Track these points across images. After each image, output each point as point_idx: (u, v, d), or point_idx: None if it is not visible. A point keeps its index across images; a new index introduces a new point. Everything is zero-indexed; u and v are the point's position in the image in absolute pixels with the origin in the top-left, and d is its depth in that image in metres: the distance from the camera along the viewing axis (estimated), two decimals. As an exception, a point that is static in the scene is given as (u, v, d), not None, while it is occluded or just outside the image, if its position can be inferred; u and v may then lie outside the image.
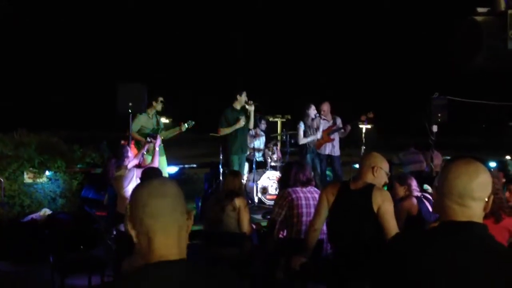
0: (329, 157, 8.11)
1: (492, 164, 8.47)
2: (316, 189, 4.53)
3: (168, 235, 1.42)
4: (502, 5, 2.57)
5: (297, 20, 29.60)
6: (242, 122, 7.28)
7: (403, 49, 27.68)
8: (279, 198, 4.39)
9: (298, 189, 4.36)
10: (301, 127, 7.85)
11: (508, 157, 9.53)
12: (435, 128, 8.20)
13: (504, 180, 4.73)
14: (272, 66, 29.20)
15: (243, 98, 7.37)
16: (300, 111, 8.13)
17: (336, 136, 8.18)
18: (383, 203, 3.24)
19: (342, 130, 8.15)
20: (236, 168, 7.28)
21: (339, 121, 8.22)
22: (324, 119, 8.09)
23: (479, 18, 2.55)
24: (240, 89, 7.49)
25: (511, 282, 1.52)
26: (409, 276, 1.57)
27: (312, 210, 4.14)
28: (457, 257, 1.54)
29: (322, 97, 8.71)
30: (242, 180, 4.86)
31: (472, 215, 1.62)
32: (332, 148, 8.11)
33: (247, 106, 7.37)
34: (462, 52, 2.68)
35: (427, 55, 24.69)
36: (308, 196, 4.35)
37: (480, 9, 2.64)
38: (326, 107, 8.18)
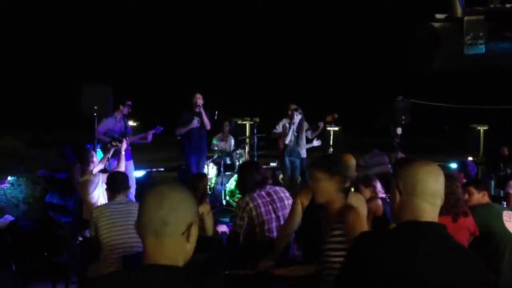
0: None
1: (454, 165, 8.73)
2: (273, 186, 4.39)
3: (161, 242, 1.48)
4: (459, 12, 2.66)
5: (262, 22, 29.71)
6: (194, 123, 7.29)
7: (368, 52, 28.21)
8: (239, 209, 4.18)
9: (256, 195, 4.15)
10: (286, 126, 7.80)
11: (470, 158, 9.85)
12: (399, 130, 8.40)
13: (464, 180, 4.89)
14: (238, 68, 29.25)
15: (195, 100, 7.38)
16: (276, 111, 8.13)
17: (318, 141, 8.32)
18: (359, 208, 3.26)
19: (316, 130, 8.21)
20: (194, 169, 7.29)
21: (321, 125, 8.26)
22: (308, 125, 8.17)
23: (436, 24, 2.63)
24: (194, 91, 7.53)
25: (474, 279, 1.60)
26: (375, 276, 1.60)
27: (273, 215, 4.08)
28: (421, 258, 1.60)
29: (286, 99, 8.75)
30: (208, 183, 4.81)
31: (437, 213, 1.72)
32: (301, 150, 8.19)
33: (198, 108, 7.34)
34: (421, 57, 2.77)
35: (391, 58, 25.23)
36: (267, 201, 4.18)
37: (438, 15, 2.73)
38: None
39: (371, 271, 1.61)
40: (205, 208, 4.38)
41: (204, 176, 5.08)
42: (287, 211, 4.14)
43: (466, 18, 2.50)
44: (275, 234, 4.11)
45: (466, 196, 3.78)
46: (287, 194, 4.34)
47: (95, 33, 28.34)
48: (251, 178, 4.21)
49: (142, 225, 1.49)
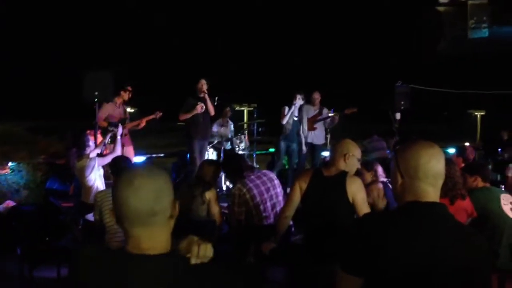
0: (311, 145, 8.18)
1: (452, 150, 8.78)
2: (260, 170, 4.67)
3: (151, 230, 1.40)
4: (463, -4, 2.68)
5: (261, 8, 29.50)
6: (200, 108, 7.28)
7: (368, 37, 28.08)
8: (234, 196, 4.33)
9: (246, 180, 4.34)
10: (285, 109, 7.80)
11: (467, 143, 9.90)
12: (398, 116, 8.43)
13: (463, 165, 4.94)
14: (240, 56, 29.11)
15: (200, 86, 7.37)
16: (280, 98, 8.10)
17: (320, 126, 8.17)
18: (357, 191, 3.30)
19: (329, 121, 8.18)
20: (196, 153, 7.30)
21: (325, 111, 8.21)
22: (311, 107, 8.14)
23: (441, 8, 2.66)
24: (199, 77, 7.51)
25: (474, 257, 1.64)
26: (380, 255, 1.64)
27: (266, 195, 4.31)
28: (424, 237, 1.64)
29: (288, 85, 8.75)
30: (219, 171, 4.85)
31: (438, 194, 1.76)
32: (315, 137, 8.15)
33: (203, 94, 7.34)
34: (425, 41, 2.80)
35: (391, 43, 25.13)
36: (258, 183, 4.36)
37: (442, 0, 2.75)
38: (317, 95, 8.18)
39: (375, 251, 1.65)
40: (212, 194, 4.41)
41: (214, 163, 5.07)
42: (279, 190, 4.49)
43: (470, 2, 2.52)
44: (270, 213, 4.32)
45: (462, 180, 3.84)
46: (273, 175, 4.61)
47: (96, 18, 28.14)
48: (238, 167, 4.45)
49: (125, 216, 1.38)
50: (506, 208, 3.71)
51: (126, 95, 7.09)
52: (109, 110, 6.96)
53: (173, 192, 1.44)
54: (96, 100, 6.62)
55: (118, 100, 7.06)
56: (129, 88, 7.09)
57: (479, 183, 3.90)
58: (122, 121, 6.91)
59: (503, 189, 5.15)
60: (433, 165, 1.74)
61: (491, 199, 3.75)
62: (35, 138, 7.79)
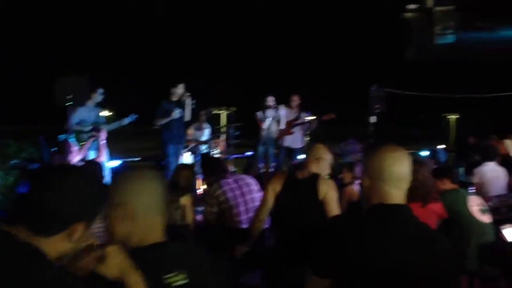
0: (289, 149, 8.20)
1: (425, 153, 8.93)
2: (238, 175, 4.66)
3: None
4: (430, 2, 2.74)
5: (237, 10, 29.52)
6: (176, 113, 7.25)
7: (343, 41, 28.36)
8: (208, 197, 4.37)
9: (222, 182, 4.34)
10: (259, 114, 7.81)
11: (441, 146, 10.07)
12: (373, 119, 8.53)
13: (434, 167, 5.02)
14: (217, 58, 29.07)
15: (178, 90, 7.35)
16: (255, 102, 8.13)
17: (297, 130, 8.19)
18: (328, 192, 3.36)
19: (306, 125, 8.21)
20: (172, 158, 7.26)
21: (304, 115, 8.23)
22: (289, 111, 8.16)
23: (408, 15, 2.71)
24: (176, 81, 7.49)
25: (439, 257, 1.69)
26: (345, 257, 1.67)
27: (240, 199, 4.27)
28: (387, 238, 1.67)
29: (263, 88, 8.78)
30: (193, 174, 4.84)
31: (404, 196, 1.80)
32: (292, 141, 8.17)
33: (183, 98, 7.33)
34: (395, 47, 2.86)
35: (366, 47, 25.45)
36: (233, 187, 4.35)
37: (410, 6, 2.81)
38: (295, 99, 8.20)
39: (341, 253, 1.68)
40: (187, 199, 4.38)
41: (189, 167, 5.05)
42: (254, 195, 4.40)
43: (436, 8, 2.58)
44: (243, 217, 4.28)
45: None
46: (252, 180, 4.56)
47: (69, 22, 27.77)
48: (216, 169, 4.48)
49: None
50: (474, 209, 3.78)
51: (98, 98, 7.00)
52: (82, 114, 6.87)
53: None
54: (68, 104, 6.53)
55: (90, 103, 6.97)
56: (101, 90, 7.00)
57: (448, 185, 3.97)
58: (97, 124, 6.83)
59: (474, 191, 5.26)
60: (397, 168, 1.78)
61: (459, 201, 3.82)
62: (6, 143, 7.61)
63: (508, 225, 4.14)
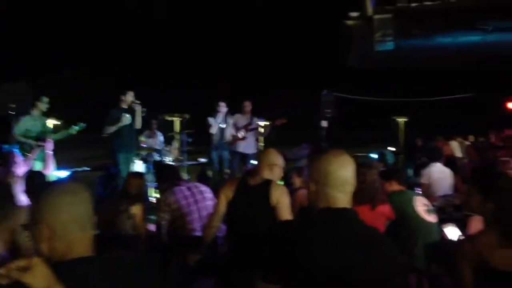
0: (242, 154, 8.18)
1: (374, 156, 9.16)
2: (192, 182, 4.66)
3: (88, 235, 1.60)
4: (370, 10, 2.82)
5: (188, 13, 29.36)
6: (125, 120, 7.12)
7: (295, 47, 28.75)
8: (160, 203, 4.36)
9: (175, 189, 4.35)
10: (210, 120, 7.78)
11: (391, 148, 10.37)
12: (324, 124, 8.68)
13: (382, 169, 5.14)
14: (166, 64, 28.77)
15: (128, 97, 7.23)
16: (206, 107, 8.13)
17: (250, 136, 8.23)
18: (281, 198, 3.36)
19: (262, 131, 8.24)
20: (123, 167, 7.12)
21: (256, 121, 8.28)
22: (242, 116, 8.15)
23: (350, 22, 2.78)
24: (126, 89, 7.37)
25: (383, 259, 1.71)
26: (297, 262, 1.68)
27: (193, 207, 4.28)
28: (333, 242, 1.69)
29: (216, 94, 8.79)
30: (143, 183, 4.76)
31: (349, 200, 1.83)
32: (246, 147, 8.18)
33: (133, 106, 7.22)
34: (339, 53, 2.93)
35: (319, 53, 25.89)
36: (187, 195, 4.37)
37: (352, 14, 2.88)
38: (247, 104, 8.25)
39: (288, 258, 1.69)
40: (138, 209, 4.29)
41: (138, 175, 4.94)
42: (208, 203, 4.39)
43: (375, 16, 2.65)
44: (196, 225, 4.28)
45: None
46: (206, 188, 4.58)
47: (13, 27, 26.72)
48: (170, 177, 4.48)
49: (67, 222, 1.52)
50: (420, 210, 3.90)
51: (43, 106, 6.76)
52: (27, 124, 6.62)
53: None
54: (10, 112, 6.28)
55: (35, 112, 6.72)
56: (46, 99, 6.77)
57: (395, 187, 4.07)
58: (42, 134, 6.59)
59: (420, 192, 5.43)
60: (342, 173, 1.81)
61: (406, 202, 3.92)
62: None
63: (449, 223, 4.30)
